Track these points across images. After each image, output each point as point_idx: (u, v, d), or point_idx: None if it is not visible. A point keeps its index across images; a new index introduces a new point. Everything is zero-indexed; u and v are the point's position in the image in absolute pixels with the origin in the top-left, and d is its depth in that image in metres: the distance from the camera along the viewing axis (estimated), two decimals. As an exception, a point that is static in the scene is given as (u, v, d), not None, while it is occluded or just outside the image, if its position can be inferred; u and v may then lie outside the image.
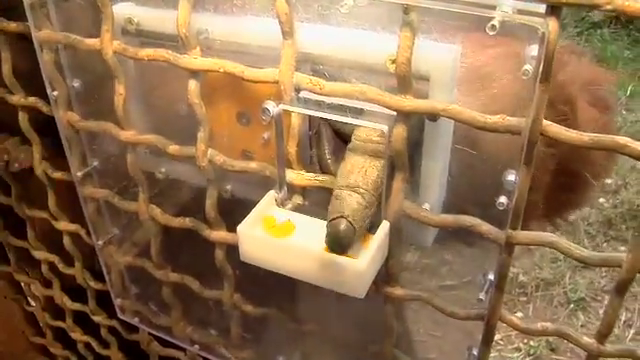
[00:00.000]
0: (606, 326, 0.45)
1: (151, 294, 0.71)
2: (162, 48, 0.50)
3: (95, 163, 0.65)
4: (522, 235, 0.43)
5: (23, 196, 0.79)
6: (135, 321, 0.75)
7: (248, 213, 0.48)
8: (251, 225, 0.48)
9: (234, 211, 0.52)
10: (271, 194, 0.50)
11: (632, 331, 1.94)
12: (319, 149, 0.52)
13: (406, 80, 0.41)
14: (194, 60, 0.49)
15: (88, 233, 0.70)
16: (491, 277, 0.47)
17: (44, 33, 0.56)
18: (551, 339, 1.85)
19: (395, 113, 0.42)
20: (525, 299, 2.13)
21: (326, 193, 0.48)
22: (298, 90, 0.46)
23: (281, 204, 0.50)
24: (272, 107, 0.45)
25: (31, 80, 0.62)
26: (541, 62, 0.35)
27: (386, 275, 0.49)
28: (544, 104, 0.37)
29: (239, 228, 0.47)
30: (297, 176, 0.50)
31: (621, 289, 0.42)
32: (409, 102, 0.41)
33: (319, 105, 0.45)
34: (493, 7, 0.36)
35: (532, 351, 1.92)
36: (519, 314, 2.01)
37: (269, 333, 0.64)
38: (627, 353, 0.45)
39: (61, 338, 0.97)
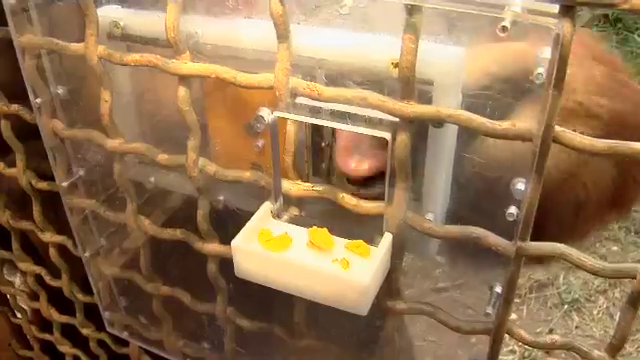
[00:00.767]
0: (619, 339, 0.42)
1: (141, 307, 0.69)
2: (150, 53, 0.48)
3: (81, 173, 0.62)
4: (533, 246, 0.41)
5: (8, 206, 0.76)
6: (125, 335, 0.73)
7: (243, 223, 0.46)
8: (246, 239, 0.45)
9: (227, 221, 0.50)
10: (266, 206, 0.47)
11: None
12: (332, 161, 0.49)
13: (409, 85, 0.39)
14: (184, 65, 0.46)
15: (75, 244, 0.68)
16: (498, 290, 0.46)
17: (26, 38, 0.54)
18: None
19: (398, 119, 0.40)
20: (519, 301, 2.12)
21: (323, 204, 0.46)
22: (295, 96, 0.43)
23: (277, 216, 0.48)
24: (267, 114, 0.43)
25: (13, 86, 0.60)
26: (555, 65, 0.33)
27: (388, 289, 0.47)
28: (557, 109, 0.35)
29: (233, 243, 0.45)
30: (293, 186, 0.48)
31: (635, 301, 0.40)
32: (413, 108, 0.39)
33: (317, 112, 0.43)
34: (503, 7, 0.34)
35: (527, 353, 1.92)
36: (513, 316, 2.00)
37: (264, 348, 0.62)
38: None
39: (49, 351, 0.94)
